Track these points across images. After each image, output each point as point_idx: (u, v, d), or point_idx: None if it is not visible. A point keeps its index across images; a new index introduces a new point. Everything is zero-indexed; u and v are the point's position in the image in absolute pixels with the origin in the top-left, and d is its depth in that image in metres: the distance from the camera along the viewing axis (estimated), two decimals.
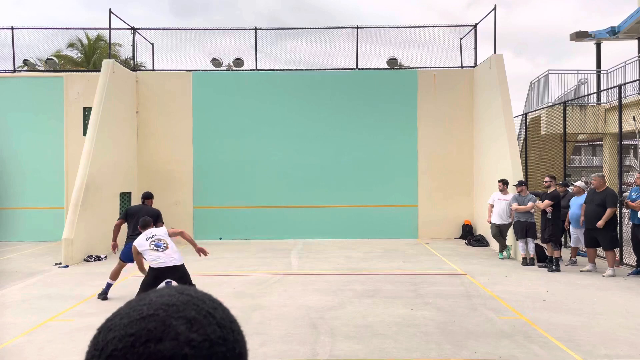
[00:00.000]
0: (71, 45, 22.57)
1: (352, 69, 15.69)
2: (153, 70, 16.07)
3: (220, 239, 14.75)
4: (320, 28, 16.14)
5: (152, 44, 16.18)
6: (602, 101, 16.40)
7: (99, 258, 11.73)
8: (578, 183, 11.07)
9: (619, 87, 11.18)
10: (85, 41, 23.08)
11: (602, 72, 18.29)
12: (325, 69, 15.75)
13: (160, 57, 16.14)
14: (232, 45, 16.56)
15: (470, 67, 15.60)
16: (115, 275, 8.04)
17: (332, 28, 16.09)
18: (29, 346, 5.92)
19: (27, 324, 6.70)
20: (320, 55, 29.18)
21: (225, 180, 15.31)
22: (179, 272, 6.72)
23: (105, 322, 0.68)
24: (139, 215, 7.92)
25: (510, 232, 11.54)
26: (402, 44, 15.90)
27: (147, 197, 8.75)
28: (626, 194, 10.19)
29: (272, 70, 15.79)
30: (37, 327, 6.59)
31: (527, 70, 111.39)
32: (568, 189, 11.49)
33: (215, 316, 0.69)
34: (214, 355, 0.65)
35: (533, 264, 10.63)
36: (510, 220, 11.41)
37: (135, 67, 16.20)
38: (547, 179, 10.72)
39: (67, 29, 16.83)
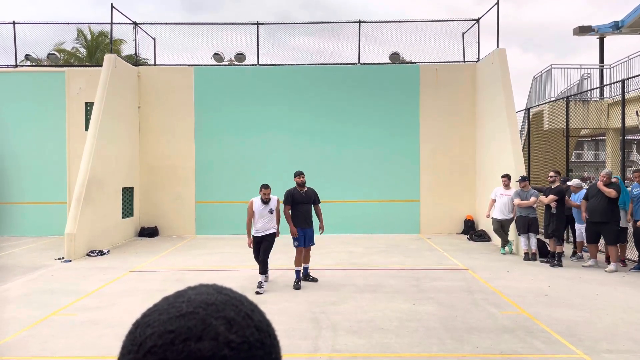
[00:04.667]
0: (79, 35, 22.52)
1: (354, 64, 15.64)
2: (155, 65, 16.05)
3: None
4: (322, 23, 16.00)
5: (154, 39, 16.15)
6: (605, 96, 16.34)
7: (101, 253, 11.76)
8: (574, 182, 11.07)
9: (622, 82, 11.14)
10: (89, 36, 23.04)
11: (605, 66, 18.21)
12: (327, 64, 15.69)
13: (165, 53, 16.12)
14: (237, 41, 16.48)
15: (473, 62, 15.54)
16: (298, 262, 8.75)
17: (334, 22, 15.98)
18: (32, 340, 5.94)
19: (30, 319, 6.73)
20: (323, 50, 29.09)
21: (227, 175, 15.30)
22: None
23: (142, 318, 0.67)
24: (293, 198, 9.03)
25: (512, 228, 11.53)
26: (405, 39, 15.83)
27: (295, 175, 9.44)
28: (629, 189, 10.16)
29: (274, 65, 15.74)
30: (40, 322, 6.61)
31: (535, 66, 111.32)
32: (568, 183, 11.48)
33: (253, 318, 0.68)
34: (251, 358, 0.64)
35: (535, 259, 10.63)
36: (512, 216, 11.39)
37: (137, 62, 16.17)
38: (551, 174, 10.68)
39: (68, 23, 16.72)
